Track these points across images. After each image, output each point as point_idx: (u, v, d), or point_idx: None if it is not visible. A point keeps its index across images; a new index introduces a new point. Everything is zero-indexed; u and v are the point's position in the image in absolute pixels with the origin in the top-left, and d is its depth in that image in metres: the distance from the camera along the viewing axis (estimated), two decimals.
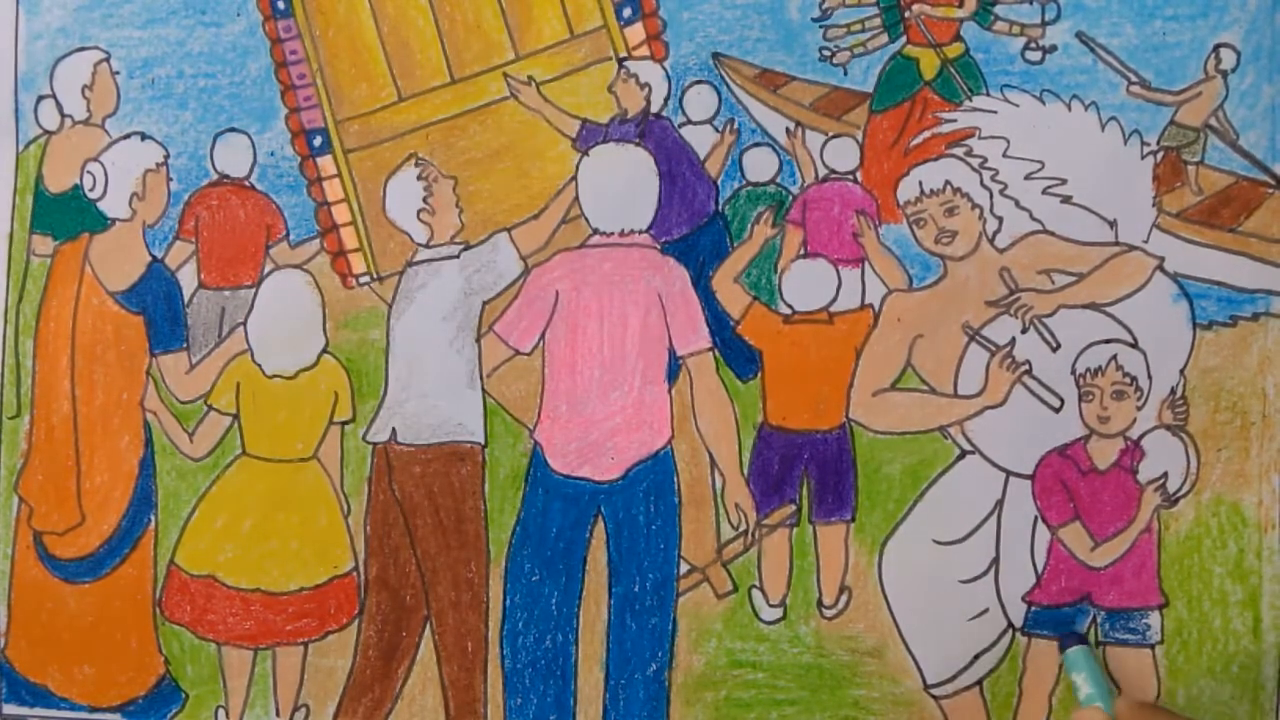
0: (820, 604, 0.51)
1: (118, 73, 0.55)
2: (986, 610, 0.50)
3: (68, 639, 0.55)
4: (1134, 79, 0.50)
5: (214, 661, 0.54)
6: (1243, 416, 0.49)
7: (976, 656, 0.50)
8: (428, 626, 0.53)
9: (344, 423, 0.54)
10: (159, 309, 0.55)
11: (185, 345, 0.55)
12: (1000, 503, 0.50)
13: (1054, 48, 0.51)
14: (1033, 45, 0.51)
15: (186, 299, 0.55)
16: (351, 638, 0.54)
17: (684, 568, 0.52)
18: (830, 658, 0.51)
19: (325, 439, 0.54)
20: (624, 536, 0.52)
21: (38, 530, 0.55)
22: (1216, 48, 0.50)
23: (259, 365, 0.54)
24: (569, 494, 0.53)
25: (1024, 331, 0.50)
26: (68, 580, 0.55)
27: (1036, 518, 0.50)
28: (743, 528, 0.52)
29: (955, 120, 0.51)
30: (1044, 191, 0.50)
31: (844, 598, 0.51)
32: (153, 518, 0.55)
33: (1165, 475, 0.49)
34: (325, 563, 0.54)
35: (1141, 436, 0.49)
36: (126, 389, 0.55)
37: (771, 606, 0.52)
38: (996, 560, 0.50)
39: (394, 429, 0.54)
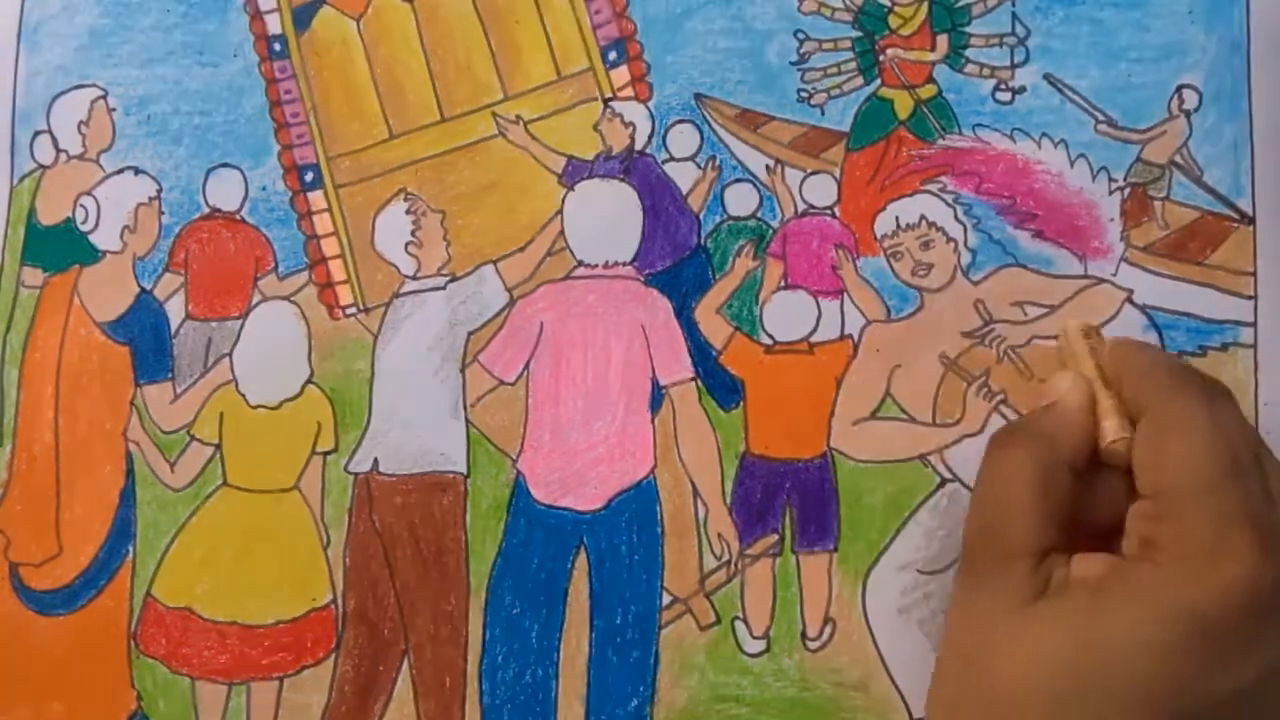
0: (804, 636, 0.49)
1: (114, 109, 0.55)
2: None
3: (38, 674, 0.51)
4: (1101, 118, 0.50)
5: (187, 697, 0.51)
6: None
7: None
8: (405, 661, 0.51)
9: (326, 453, 0.52)
10: (145, 339, 0.53)
11: (170, 376, 0.53)
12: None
13: (1023, 89, 0.51)
14: (1003, 86, 0.51)
15: (173, 330, 0.53)
16: (328, 673, 0.51)
17: (666, 599, 0.50)
18: (815, 691, 0.49)
19: (307, 469, 0.52)
20: (606, 567, 0.50)
21: (14, 562, 0.53)
22: (1179, 89, 0.50)
23: (243, 395, 0.53)
24: (551, 524, 0.51)
25: (999, 361, 0.49)
26: (41, 613, 0.52)
27: None
28: (726, 558, 0.50)
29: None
30: (1016, 226, 0.50)
31: (828, 629, 0.49)
32: (131, 549, 0.52)
33: None
34: (303, 595, 0.51)
35: None
36: (110, 419, 0.53)
37: (755, 639, 0.49)
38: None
39: (376, 459, 0.52)
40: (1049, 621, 0.36)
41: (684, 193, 0.52)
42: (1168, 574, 0.35)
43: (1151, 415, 0.39)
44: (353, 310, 0.53)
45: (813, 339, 0.50)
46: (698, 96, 0.52)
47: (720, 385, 0.51)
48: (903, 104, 0.51)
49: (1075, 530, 0.40)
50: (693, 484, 0.50)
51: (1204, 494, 0.35)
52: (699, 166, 0.52)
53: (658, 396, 0.51)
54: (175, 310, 0.53)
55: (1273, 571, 0.34)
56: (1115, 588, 0.36)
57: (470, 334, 0.52)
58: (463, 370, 0.52)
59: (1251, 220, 0.49)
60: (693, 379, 0.51)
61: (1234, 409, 0.39)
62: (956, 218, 0.50)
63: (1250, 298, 0.48)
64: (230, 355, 0.53)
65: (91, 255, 0.54)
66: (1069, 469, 0.40)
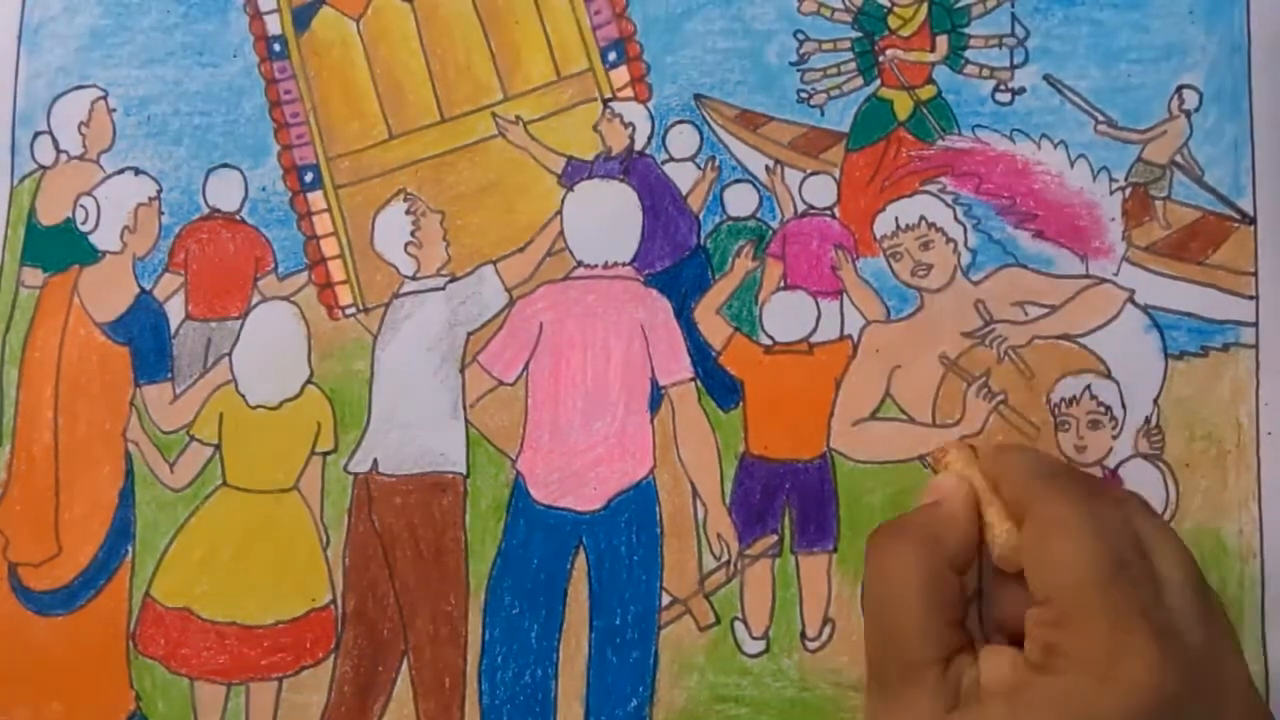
0: (804, 636, 0.49)
1: (114, 110, 0.54)
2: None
3: (37, 674, 0.51)
4: (1101, 119, 0.50)
5: (186, 698, 0.51)
6: (1218, 445, 0.48)
7: None
8: (405, 661, 0.50)
9: (326, 453, 0.52)
10: (145, 340, 0.53)
11: (170, 376, 0.53)
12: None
13: (1023, 89, 0.50)
14: (1002, 87, 0.51)
15: (173, 330, 0.53)
16: (327, 673, 0.50)
17: (666, 599, 0.50)
18: (814, 691, 0.48)
19: (306, 469, 0.52)
20: (605, 568, 0.50)
21: (13, 563, 0.52)
22: (1179, 89, 0.49)
23: (243, 396, 0.52)
24: (550, 524, 0.50)
25: (999, 362, 0.49)
26: (40, 613, 0.52)
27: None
28: (725, 558, 0.49)
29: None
30: (1016, 226, 0.50)
31: (827, 629, 0.49)
32: (130, 549, 0.52)
33: None
34: (302, 595, 0.51)
35: (1118, 466, 0.48)
36: (109, 419, 0.53)
37: (754, 639, 0.49)
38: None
39: (376, 459, 0.51)
40: None
41: (684, 193, 0.51)
42: (1072, 684, 0.35)
43: (1033, 518, 0.38)
44: (352, 310, 0.53)
45: (812, 339, 0.50)
46: (697, 97, 0.52)
47: (720, 386, 0.50)
48: (902, 105, 0.51)
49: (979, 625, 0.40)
50: (692, 484, 0.50)
51: (1094, 599, 0.35)
52: (699, 167, 0.51)
53: (657, 397, 0.50)
54: (175, 310, 0.53)
55: (1175, 672, 0.34)
56: (1026, 701, 0.36)
57: (470, 334, 0.52)
58: (462, 370, 0.51)
59: (1252, 220, 0.48)
60: (692, 379, 0.50)
61: (1112, 505, 0.39)
62: (956, 218, 0.50)
63: (1251, 298, 0.48)
64: (230, 355, 0.52)
65: (91, 255, 0.54)
66: (953, 569, 0.40)
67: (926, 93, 0.51)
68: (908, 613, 0.39)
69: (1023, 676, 0.36)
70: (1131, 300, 0.49)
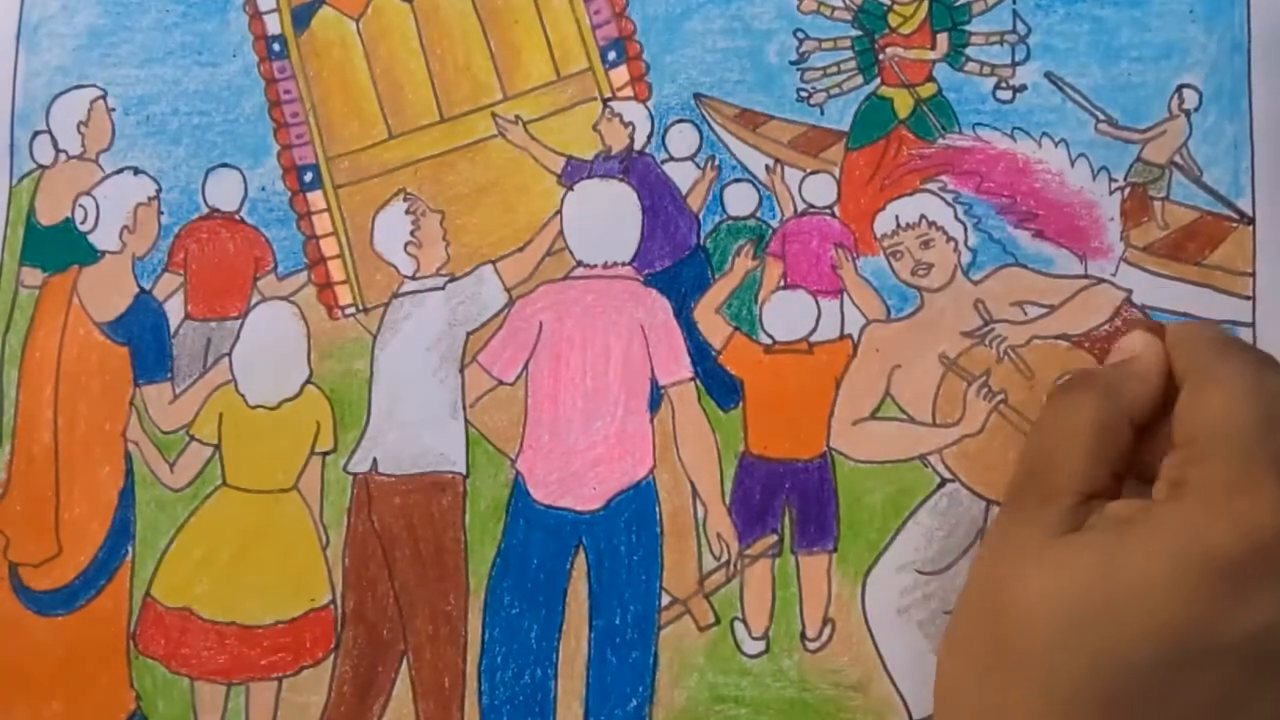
0: (803, 636, 0.48)
1: (113, 109, 0.54)
2: None
3: (37, 674, 0.51)
4: (1101, 117, 0.49)
5: (186, 698, 0.51)
6: None
7: None
8: (404, 661, 0.50)
9: (325, 453, 0.51)
10: (145, 340, 0.53)
11: (170, 376, 0.52)
12: (982, 531, 0.48)
13: (1024, 87, 0.50)
14: (1003, 85, 0.50)
15: (173, 330, 0.53)
16: (326, 673, 0.50)
17: (665, 599, 0.49)
18: (814, 692, 0.48)
19: (306, 469, 0.51)
20: (605, 568, 0.50)
21: (13, 563, 0.52)
22: (1180, 88, 0.49)
23: (242, 396, 0.52)
24: (550, 524, 0.50)
25: (999, 361, 0.49)
26: (40, 613, 0.51)
27: None
28: (725, 558, 0.49)
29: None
30: (1017, 225, 0.49)
31: (827, 630, 0.48)
32: (130, 549, 0.51)
33: None
34: (302, 595, 0.50)
35: None
36: (109, 419, 0.52)
37: (754, 639, 0.49)
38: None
39: (375, 459, 0.51)
40: (1074, 552, 0.36)
41: (683, 192, 0.51)
42: (1188, 512, 0.35)
43: (1196, 374, 0.39)
44: (352, 310, 0.52)
45: (812, 339, 0.50)
46: (697, 96, 0.51)
47: (719, 385, 0.50)
48: (903, 103, 0.51)
49: (1125, 482, 0.40)
50: (692, 484, 0.49)
51: (1233, 438, 0.36)
52: (698, 166, 0.51)
53: (657, 396, 0.50)
54: (174, 310, 0.53)
55: None
56: (1139, 525, 0.36)
57: (469, 334, 0.51)
58: (462, 370, 0.51)
59: (1251, 220, 0.48)
60: (692, 379, 0.50)
61: (1277, 376, 0.39)
62: (956, 217, 0.50)
63: (1249, 298, 0.48)
64: (229, 355, 0.52)
65: (91, 255, 0.53)
66: (1130, 421, 0.40)
67: (927, 91, 0.51)
68: (1070, 445, 0.39)
69: (1144, 508, 0.37)
70: (1129, 300, 0.48)
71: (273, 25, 0.54)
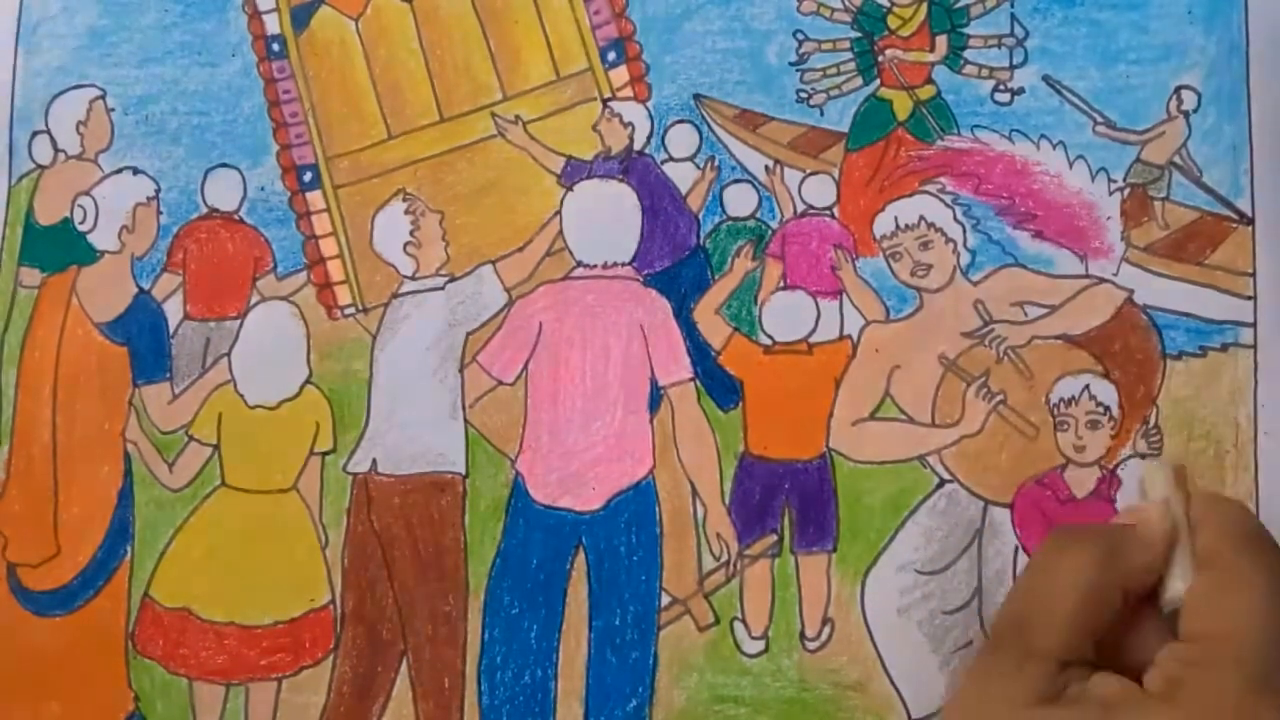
0: (803, 636, 0.48)
1: (113, 109, 0.53)
2: (971, 642, 0.47)
3: (36, 675, 0.50)
4: (1100, 119, 0.49)
5: (185, 698, 0.50)
6: (1216, 446, 0.47)
7: None
8: (404, 661, 0.50)
9: (325, 453, 0.51)
10: (144, 340, 0.52)
11: (169, 376, 0.52)
12: (980, 531, 0.47)
13: (1022, 90, 0.50)
14: (1001, 88, 0.50)
15: (172, 330, 0.52)
16: (326, 673, 0.50)
17: (665, 599, 0.49)
18: (813, 691, 0.47)
19: (305, 470, 0.51)
20: (605, 568, 0.49)
21: (12, 563, 0.52)
22: (1178, 89, 0.49)
23: (241, 396, 0.51)
24: (550, 525, 0.49)
25: (998, 362, 0.48)
26: (39, 613, 0.51)
27: (1018, 547, 0.47)
28: (724, 558, 0.49)
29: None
30: (1016, 226, 0.49)
31: (826, 629, 0.48)
32: (129, 549, 0.51)
33: None
34: (301, 595, 0.50)
35: (1117, 465, 0.47)
36: (108, 419, 0.52)
37: (754, 639, 0.48)
38: (979, 590, 0.47)
39: (375, 459, 0.50)
40: None
41: (683, 193, 0.51)
42: (1184, 717, 0.33)
43: (1219, 565, 0.37)
44: (351, 310, 0.52)
45: (812, 339, 0.49)
46: (697, 97, 0.51)
47: (719, 386, 0.49)
48: (902, 105, 0.50)
49: (1104, 657, 0.38)
50: (691, 484, 0.49)
51: (1247, 654, 0.34)
52: (698, 167, 0.51)
53: (656, 397, 0.50)
54: (173, 310, 0.52)
55: None
56: (1125, 715, 0.34)
57: (469, 334, 0.51)
58: (461, 370, 0.51)
59: (1251, 220, 0.48)
60: (692, 379, 0.50)
61: None
62: (955, 218, 0.49)
63: (1249, 298, 0.47)
64: (229, 355, 0.52)
65: (90, 255, 0.53)
66: (1124, 592, 0.37)
67: (926, 93, 0.50)
68: (1056, 603, 0.37)
69: (1132, 696, 0.35)
70: (1130, 300, 0.48)
71: (272, 25, 0.53)
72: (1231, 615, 0.35)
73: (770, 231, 0.50)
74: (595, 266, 0.51)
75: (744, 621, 0.48)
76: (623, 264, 0.50)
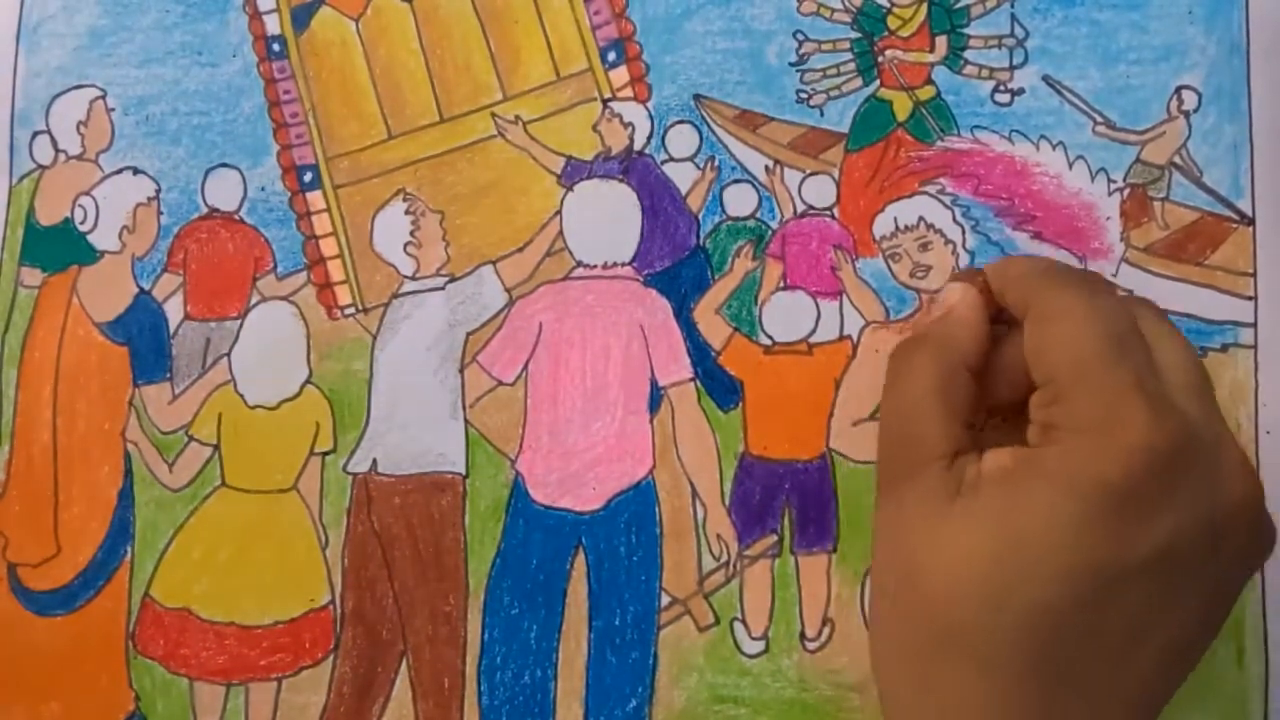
0: (803, 636, 0.47)
1: (113, 110, 0.53)
2: None
3: (36, 675, 0.50)
4: (1100, 120, 0.49)
5: (185, 698, 0.50)
6: None
7: None
8: (404, 662, 0.49)
9: (325, 453, 0.51)
10: (144, 340, 0.52)
11: (169, 376, 0.51)
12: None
13: (1022, 90, 0.49)
14: (1001, 88, 0.49)
15: (172, 330, 0.52)
16: (326, 674, 0.49)
17: (665, 600, 0.48)
18: (813, 692, 0.47)
19: (305, 470, 0.50)
20: (605, 568, 0.49)
21: (12, 563, 0.51)
22: (1178, 89, 0.48)
23: (241, 396, 0.51)
24: (550, 525, 0.49)
25: None
26: (39, 613, 0.50)
27: None
28: (724, 559, 0.48)
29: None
30: (1015, 227, 0.49)
31: (826, 630, 0.47)
32: (129, 549, 0.51)
33: None
34: (301, 595, 0.50)
35: None
36: (108, 419, 0.51)
37: (754, 639, 0.48)
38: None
39: (375, 459, 0.50)
40: (966, 521, 0.36)
41: (683, 193, 0.50)
42: (1069, 452, 0.35)
43: (1034, 310, 0.39)
44: (351, 310, 0.51)
45: (812, 340, 0.49)
46: (697, 97, 0.51)
47: (719, 386, 0.49)
48: (901, 105, 0.50)
49: (986, 428, 0.40)
50: (691, 485, 0.49)
51: (1092, 372, 0.36)
52: (698, 167, 0.50)
53: (656, 397, 0.49)
54: (174, 310, 0.52)
55: (1168, 435, 0.34)
56: (1023, 475, 0.36)
57: (469, 334, 0.50)
58: (461, 371, 0.50)
59: (1251, 221, 0.47)
60: (692, 379, 0.49)
61: (1113, 296, 0.39)
62: (955, 219, 0.49)
63: (1250, 298, 0.47)
64: (229, 355, 0.51)
65: (90, 255, 0.53)
66: (966, 369, 0.40)
67: (926, 93, 0.50)
68: (920, 411, 0.39)
69: (1021, 457, 0.37)
70: None
71: (272, 25, 0.53)
72: (1060, 346, 0.37)
73: (770, 232, 0.50)
74: (595, 266, 0.50)
75: (744, 622, 0.48)
76: (623, 264, 0.50)
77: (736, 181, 0.50)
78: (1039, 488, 0.35)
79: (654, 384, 0.49)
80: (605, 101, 0.51)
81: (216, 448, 0.51)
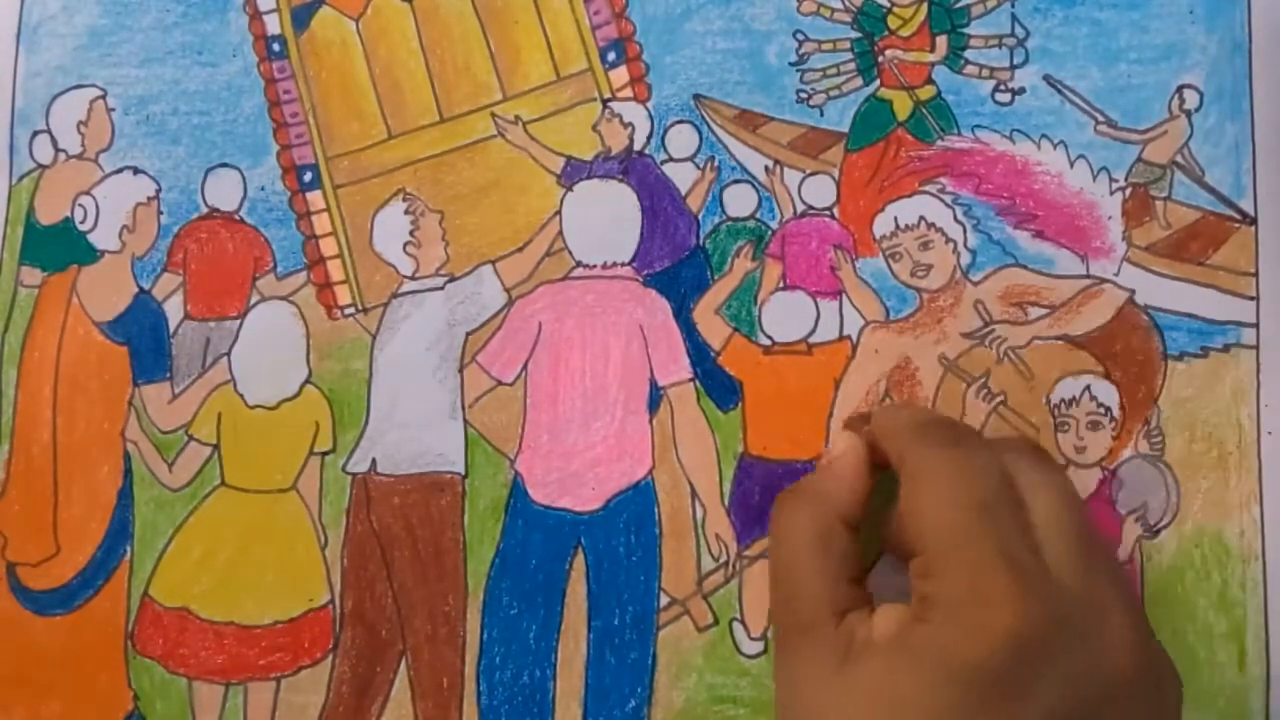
0: None
1: (113, 109, 0.53)
2: None
3: (35, 674, 0.50)
4: (1101, 119, 0.48)
5: (184, 697, 0.49)
6: (1219, 447, 0.46)
7: None
8: (403, 662, 0.49)
9: (324, 453, 0.50)
10: (144, 340, 0.52)
11: (169, 376, 0.51)
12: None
13: (1022, 90, 0.49)
14: (1002, 87, 0.49)
15: (172, 330, 0.52)
16: (325, 673, 0.49)
17: (664, 600, 0.48)
18: None
19: (304, 469, 0.50)
20: (604, 568, 0.48)
21: (12, 562, 0.51)
22: (1180, 89, 0.48)
23: (241, 395, 0.51)
24: (549, 525, 0.49)
25: (998, 362, 0.48)
26: (39, 613, 0.50)
27: None
28: (724, 559, 0.48)
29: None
30: (1016, 226, 0.48)
31: None
32: (129, 549, 0.50)
33: (1145, 505, 0.46)
34: (300, 595, 0.49)
35: (1118, 466, 0.47)
36: (108, 419, 0.51)
37: (753, 640, 0.47)
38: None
39: (374, 459, 0.50)
40: (852, 689, 0.35)
41: (683, 193, 0.50)
42: (940, 632, 0.34)
43: (906, 468, 0.38)
44: (351, 310, 0.51)
45: (811, 340, 0.49)
46: (697, 97, 0.50)
47: (719, 386, 0.49)
48: (902, 105, 0.50)
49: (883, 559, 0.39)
50: (691, 485, 0.48)
51: (958, 545, 0.35)
52: (698, 167, 0.50)
53: (656, 397, 0.49)
54: (174, 310, 0.52)
55: (1034, 619, 0.33)
56: (901, 650, 0.35)
57: (468, 334, 0.50)
58: (461, 370, 0.50)
59: (1253, 220, 0.47)
60: (691, 380, 0.49)
61: (980, 449, 0.38)
62: (955, 218, 0.49)
63: (1252, 298, 0.47)
64: (228, 355, 0.51)
65: (90, 255, 0.52)
66: (843, 524, 0.39)
67: (926, 93, 0.50)
68: (801, 569, 0.38)
69: (904, 628, 0.36)
70: (1132, 301, 0.47)
71: (272, 25, 0.53)
72: (931, 514, 0.36)
73: (770, 232, 0.50)
74: (595, 267, 0.50)
75: (743, 622, 0.47)
76: (622, 264, 0.50)
77: (736, 182, 0.50)
78: (914, 667, 0.34)
79: (653, 384, 0.49)
80: (605, 101, 0.51)
81: (216, 447, 0.51)
